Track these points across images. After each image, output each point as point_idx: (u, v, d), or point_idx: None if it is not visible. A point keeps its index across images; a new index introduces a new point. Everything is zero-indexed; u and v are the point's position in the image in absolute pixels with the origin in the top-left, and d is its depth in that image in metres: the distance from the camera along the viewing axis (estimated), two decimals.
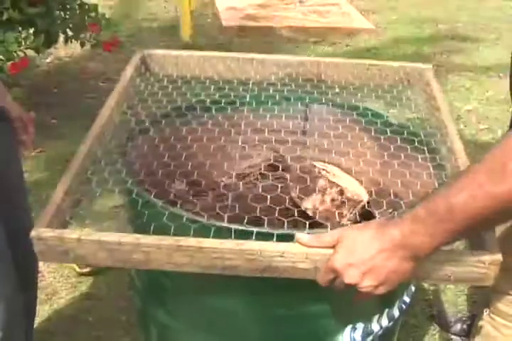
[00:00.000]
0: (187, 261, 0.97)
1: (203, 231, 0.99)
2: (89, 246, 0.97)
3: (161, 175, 1.23)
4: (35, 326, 1.78)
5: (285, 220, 1.10)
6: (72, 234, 0.97)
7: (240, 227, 1.01)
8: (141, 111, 1.38)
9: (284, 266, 0.97)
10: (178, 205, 1.16)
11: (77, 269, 2.21)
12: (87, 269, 2.19)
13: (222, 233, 1.00)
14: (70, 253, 0.98)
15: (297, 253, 0.96)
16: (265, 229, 1.01)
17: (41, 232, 0.97)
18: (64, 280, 2.20)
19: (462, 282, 1.00)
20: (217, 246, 0.96)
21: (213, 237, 0.98)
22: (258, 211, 1.12)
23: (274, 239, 0.99)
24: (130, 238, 0.97)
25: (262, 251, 0.95)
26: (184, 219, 1.02)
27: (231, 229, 1.00)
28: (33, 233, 0.97)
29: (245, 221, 1.07)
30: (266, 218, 1.08)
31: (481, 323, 1.55)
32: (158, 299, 1.28)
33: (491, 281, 0.99)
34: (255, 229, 0.99)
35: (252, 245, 0.96)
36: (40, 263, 2.17)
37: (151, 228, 1.00)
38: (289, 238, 0.98)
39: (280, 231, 1.00)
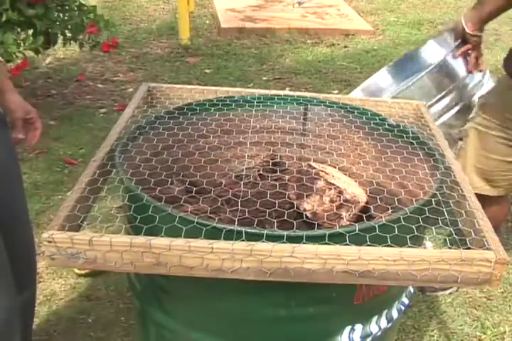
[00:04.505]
0: (197, 264, 0.97)
1: (212, 235, 1.00)
2: (100, 247, 0.98)
3: (160, 177, 1.23)
4: (34, 327, 1.78)
5: (287, 222, 1.10)
6: (83, 235, 0.98)
7: (250, 230, 1.00)
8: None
9: (293, 268, 0.97)
10: (181, 208, 1.16)
11: (76, 270, 2.21)
12: (86, 270, 2.19)
13: (224, 236, 1.00)
14: (80, 256, 0.99)
15: (307, 253, 0.96)
16: (276, 232, 1.01)
17: (52, 234, 0.98)
18: (63, 282, 2.19)
19: (469, 284, 1.00)
20: (228, 246, 0.96)
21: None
22: (257, 213, 1.12)
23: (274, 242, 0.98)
24: (141, 239, 0.98)
25: (273, 251, 0.96)
26: (195, 223, 1.02)
27: (241, 231, 0.99)
28: (44, 235, 0.98)
29: (236, 223, 1.07)
30: (265, 220, 1.08)
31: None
32: (157, 300, 1.28)
33: (498, 284, 0.98)
34: (265, 231, 0.99)
35: (263, 246, 0.97)
36: (39, 265, 2.17)
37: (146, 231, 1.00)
38: (296, 239, 0.98)
39: (289, 233, 1.00)
